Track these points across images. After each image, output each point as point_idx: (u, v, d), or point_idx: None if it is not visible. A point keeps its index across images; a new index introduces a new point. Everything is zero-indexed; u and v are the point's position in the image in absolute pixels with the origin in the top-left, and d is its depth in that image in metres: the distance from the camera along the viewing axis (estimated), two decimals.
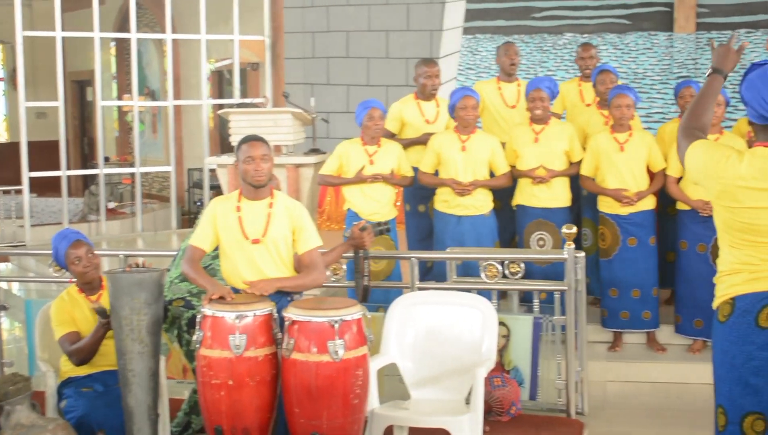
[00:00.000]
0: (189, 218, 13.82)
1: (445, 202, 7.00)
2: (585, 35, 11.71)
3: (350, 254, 5.85)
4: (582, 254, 6.01)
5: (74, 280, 5.51)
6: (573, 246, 5.92)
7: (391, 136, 7.36)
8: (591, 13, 11.86)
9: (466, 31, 12.19)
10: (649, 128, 7.56)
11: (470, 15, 12.16)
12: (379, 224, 5.79)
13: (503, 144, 7.14)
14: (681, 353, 6.94)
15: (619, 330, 7.05)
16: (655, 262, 6.95)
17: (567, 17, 11.95)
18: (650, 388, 6.68)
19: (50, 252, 5.64)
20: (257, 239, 5.03)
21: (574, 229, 5.98)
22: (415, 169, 7.13)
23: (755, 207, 3.47)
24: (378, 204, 6.98)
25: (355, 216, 6.96)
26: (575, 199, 7.32)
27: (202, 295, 5.28)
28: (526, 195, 7.07)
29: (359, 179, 6.93)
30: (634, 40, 11.66)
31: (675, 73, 11.34)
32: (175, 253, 5.87)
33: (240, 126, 8.36)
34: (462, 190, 6.86)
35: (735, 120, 7.38)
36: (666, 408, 6.30)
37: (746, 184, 3.48)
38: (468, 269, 6.43)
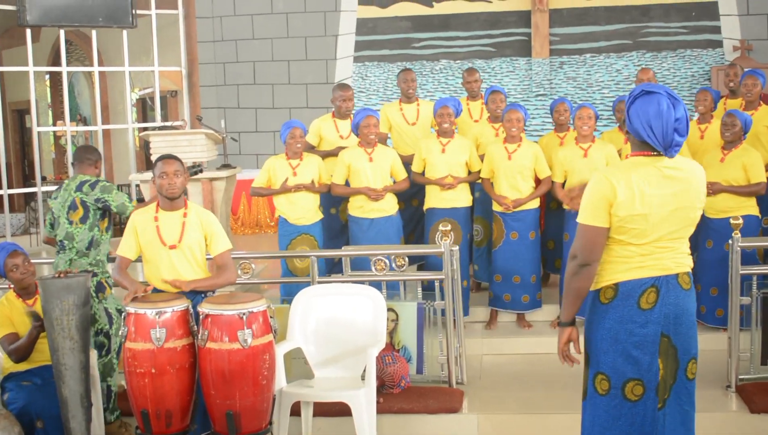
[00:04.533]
0: (120, 227, 13.53)
1: (360, 207, 6.94)
2: (458, 61, 11.83)
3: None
4: (456, 248, 6.04)
5: (12, 286, 5.37)
6: (448, 241, 5.95)
7: (311, 148, 7.31)
8: (462, 42, 11.98)
9: (356, 59, 12.20)
10: None
11: (359, 45, 12.19)
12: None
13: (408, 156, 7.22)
14: (545, 328, 7.02)
15: (502, 310, 7.10)
16: (535, 254, 7.01)
17: (442, 46, 12.05)
18: (519, 359, 6.72)
19: None
20: (174, 245, 5.01)
21: (449, 227, 6.02)
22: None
23: (647, 213, 3.51)
24: (303, 209, 6.92)
25: (285, 222, 6.95)
26: None
27: (100, 264, 5.57)
28: (435, 199, 7.05)
29: (284, 189, 6.87)
30: (498, 64, 11.81)
31: (534, 92, 11.52)
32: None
33: (159, 146, 8.20)
34: (377, 195, 6.86)
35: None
36: (532, 375, 6.35)
37: (643, 190, 3.51)
38: (362, 264, 6.44)
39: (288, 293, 6.65)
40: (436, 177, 7.00)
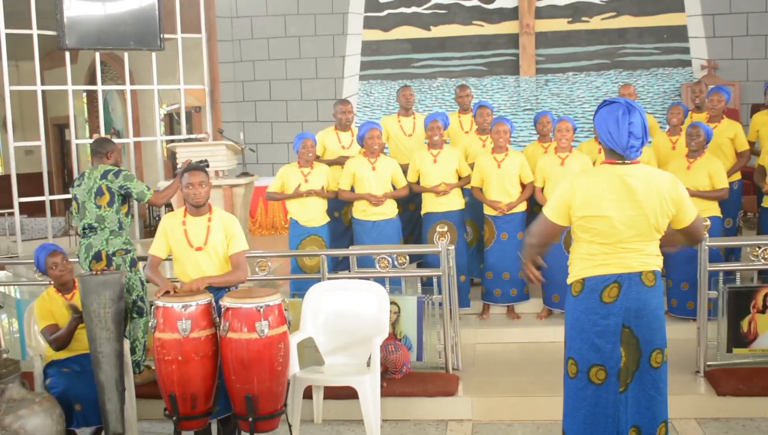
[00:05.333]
0: (150, 230, 13.56)
1: (363, 211, 6.93)
2: (453, 79, 11.82)
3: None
4: (452, 247, 6.05)
5: (52, 282, 5.39)
6: (445, 241, 5.95)
7: (316, 157, 7.31)
8: (457, 62, 11.98)
9: (362, 77, 12.20)
10: None
11: (364, 65, 12.19)
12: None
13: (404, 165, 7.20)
14: (531, 320, 7.02)
15: (493, 303, 7.09)
16: None
17: (439, 66, 12.05)
18: (509, 347, 6.72)
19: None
20: (200, 247, 5.01)
21: (445, 229, 6.03)
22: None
23: (603, 216, 3.57)
24: (313, 212, 6.91)
25: (296, 224, 6.93)
26: None
27: (130, 242, 5.78)
28: (431, 204, 7.05)
29: (297, 194, 6.85)
30: (490, 82, 11.81)
31: (521, 107, 11.51)
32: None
33: (185, 156, 8.23)
34: (377, 201, 6.85)
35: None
36: (521, 361, 6.36)
37: (600, 195, 3.58)
38: (367, 262, 6.44)
39: (298, 288, 6.65)
40: (430, 185, 7.00)
